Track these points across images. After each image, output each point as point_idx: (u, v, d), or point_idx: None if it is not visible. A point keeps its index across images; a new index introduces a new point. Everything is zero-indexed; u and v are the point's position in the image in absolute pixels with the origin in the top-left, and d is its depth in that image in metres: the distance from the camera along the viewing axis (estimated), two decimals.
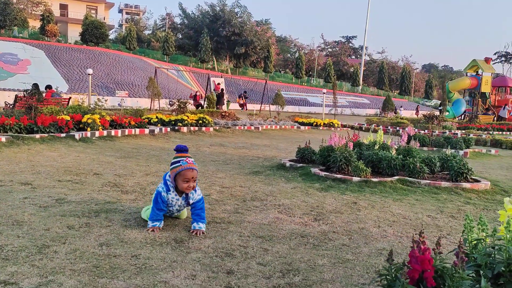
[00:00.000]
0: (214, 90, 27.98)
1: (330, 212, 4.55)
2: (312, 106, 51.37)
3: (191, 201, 3.69)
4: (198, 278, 2.66)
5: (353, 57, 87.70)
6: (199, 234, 3.51)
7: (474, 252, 1.92)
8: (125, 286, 2.47)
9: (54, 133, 9.44)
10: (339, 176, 6.21)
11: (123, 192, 4.96)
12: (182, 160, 3.58)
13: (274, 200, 4.97)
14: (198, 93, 28.11)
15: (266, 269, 2.88)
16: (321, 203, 4.95)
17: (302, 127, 19.87)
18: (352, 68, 71.67)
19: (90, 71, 18.02)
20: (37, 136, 8.87)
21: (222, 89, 27.59)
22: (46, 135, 9.10)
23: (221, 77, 37.68)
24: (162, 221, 3.67)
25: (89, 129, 10.39)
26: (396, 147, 7.44)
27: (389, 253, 1.72)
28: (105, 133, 10.69)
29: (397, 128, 20.14)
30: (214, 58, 61.55)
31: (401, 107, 51.16)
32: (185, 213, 4.01)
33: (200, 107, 19.21)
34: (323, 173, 6.40)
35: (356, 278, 2.80)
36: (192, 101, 26.78)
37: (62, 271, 2.64)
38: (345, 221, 4.23)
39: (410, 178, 6.23)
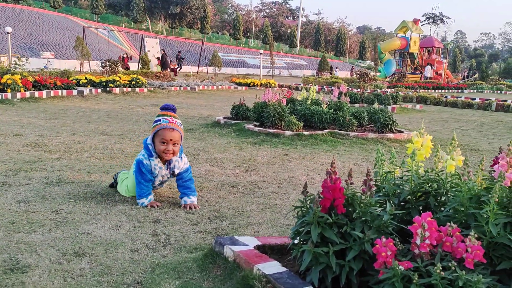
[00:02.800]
0: (158, 59, 26.78)
1: (262, 164, 4.62)
2: (250, 68, 51.15)
3: (176, 171, 3.16)
4: (123, 228, 2.61)
5: (291, 18, 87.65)
6: (193, 209, 3.02)
7: (384, 183, 2.04)
8: (43, 239, 2.37)
9: None
10: (272, 130, 6.29)
11: (46, 152, 4.70)
12: (163, 118, 3.07)
13: (207, 155, 4.95)
14: (125, 56, 26.78)
15: (193, 217, 2.88)
16: (253, 156, 5.01)
17: (240, 88, 19.81)
18: (290, 29, 71.78)
19: (9, 29, 16.53)
20: None
21: (163, 50, 26.69)
22: None
23: (156, 37, 36.21)
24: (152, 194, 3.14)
25: (9, 90, 9.65)
26: (328, 102, 7.64)
27: (304, 186, 1.77)
28: (27, 94, 10.00)
29: (332, 88, 20.65)
30: (148, 18, 58.88)
31: (336, 68, 52.33)
32: None
33: (127, 70, 18.42)
34: (256, 129, 6.45)
35: (281, 221, 2.89)
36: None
37: None
38: (275, 171, 4.32)
39: (340, 131, 6.46)
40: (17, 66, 11.72)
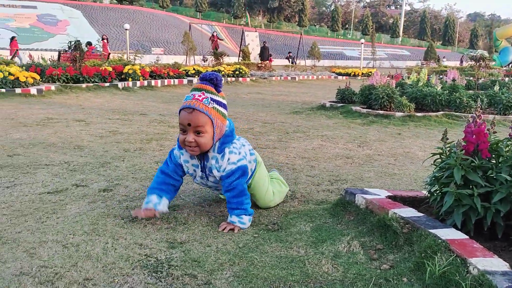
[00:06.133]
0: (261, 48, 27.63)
1: (374, 141, 4.57)
2: (349, 60, 49.99)
3: (216, 173, 2.06)
4: None
5: (393, 7, 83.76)
6: (227, 231, 1.98)
7: None
8: (183, 189, 2.63)
9: (98, 82, 9.76)
10: (381, 112, 6.17)
11: (170, 127, 5.16)
12: (191, 93, 2.05)
13: (317, 132, 5.03)
14: (215, 33, 27.98)
15: (314, 179, 2.99)
16: (364, 134, 4.98)
17: (340, 77, 19.56)
18: (392, 19, 68.66)
19: (127, 26, 18.27)
20: (83, 85, 9.21)
21: (265, 42, 27.44)
22: (91, 84, 9.43)
23: (255, 31, 37.11)
24: (164, 199, 2.11)
25: (130, 79, 10.66)
26: (441, 85, 7.26)
27: (444, 132, 1.76)
28: (145, 83, 10.95)
29: (441, 76, 19.43)
30: (247, 14, 60.47)
31: (444, 57, 48.96)
32: None
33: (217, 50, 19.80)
34: (364, 110, 6.37)
35: (404, 186, 2.86)
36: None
37: (126, 178, 2.85)
38: (389, 147, 4.25)
39: (456, 113, 6.12)
40: (136, 57, 12.90)
